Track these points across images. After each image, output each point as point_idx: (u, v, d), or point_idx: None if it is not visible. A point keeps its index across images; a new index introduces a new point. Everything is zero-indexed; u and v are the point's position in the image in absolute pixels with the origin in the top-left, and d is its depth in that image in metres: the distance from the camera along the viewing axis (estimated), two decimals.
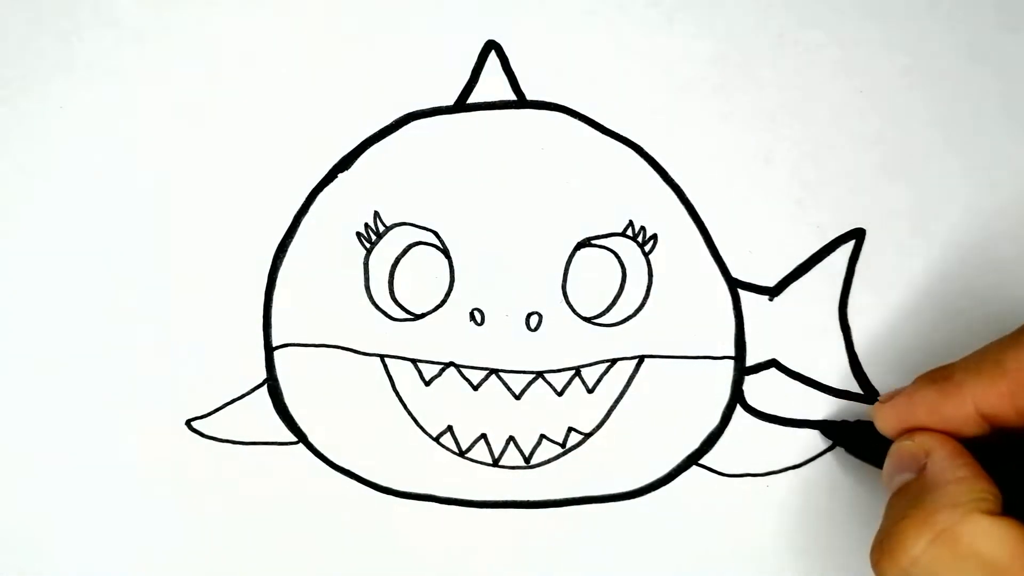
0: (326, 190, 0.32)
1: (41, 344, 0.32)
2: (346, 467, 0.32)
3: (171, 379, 0.32)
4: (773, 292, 0.33)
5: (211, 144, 0.32)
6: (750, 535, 0.33)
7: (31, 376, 0.32)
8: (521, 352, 0.33)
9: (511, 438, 0.33)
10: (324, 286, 0.32)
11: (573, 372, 0.33)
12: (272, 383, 0.32)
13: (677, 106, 0.33)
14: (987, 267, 0.33)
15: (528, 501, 0.33)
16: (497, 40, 0.32)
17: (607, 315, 0.33)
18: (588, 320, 0.33)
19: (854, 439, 0.31)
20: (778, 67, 0.33)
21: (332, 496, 0.32)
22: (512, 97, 0.33)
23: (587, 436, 0.33)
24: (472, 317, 0.32)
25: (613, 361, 0.33)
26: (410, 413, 0.32)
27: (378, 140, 0.32)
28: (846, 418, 0.33)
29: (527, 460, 0.33)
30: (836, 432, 0.33)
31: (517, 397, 0.33)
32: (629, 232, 0.33)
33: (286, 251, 0.32)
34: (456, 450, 0.33)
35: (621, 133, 0.33)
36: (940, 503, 0.25)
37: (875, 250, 0.33)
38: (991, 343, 0.27)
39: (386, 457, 0.32)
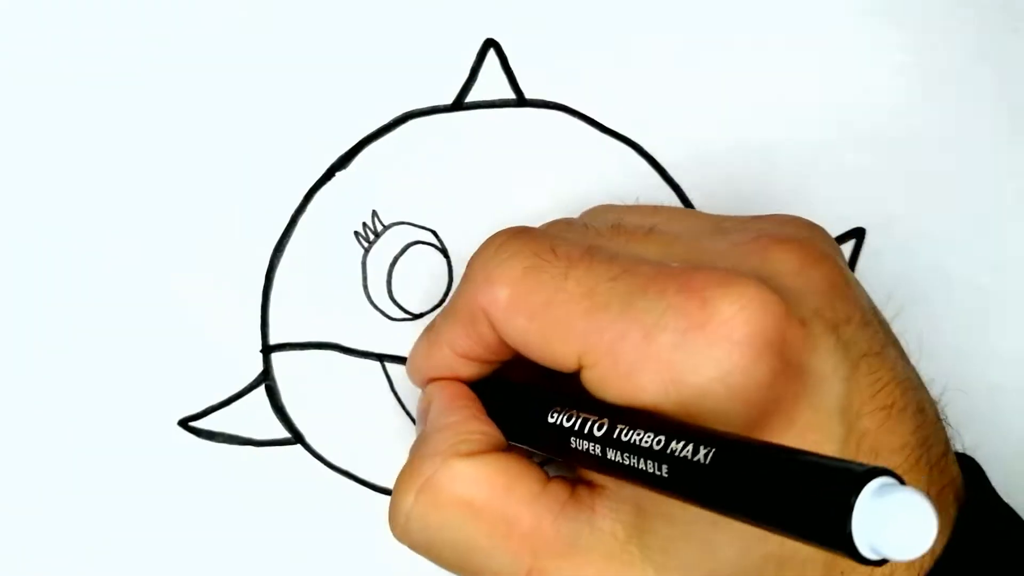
0: (324, 189, 0.32)
1: (36, 343, 0.32)
2: (344, 467, 0.32)
3: (167, 378, 0.32)
4: None
5: (208, 142, 0.32)
6: None
7: (26, 374, 0.32)
8: None
9: None
10: (322, 285, 0.32)
11: None
12: (269, 382, 0.32)
13: (676, 105, 0.33)
14: (987, 267, 0.33)
15: None
16: (496, 39, 0.32)
17: None
18: None
19: None
20: (777, 66, 0.33)
21: (330, 496, 0.32)
22: (511, 96, 0.33)
23: None
24: None
25: None
26: (409, 413, 0.32)
27: (376, 139, 0.32)
28: None
29: None
30: None
31: None
32: None
33: (283, 250, 0.32)
34: None
35: (620, 132, 0.33)
36: (424, 453, 0.25)
37: (875, 250, 0.33)
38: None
39: (384, 457, 0.32)
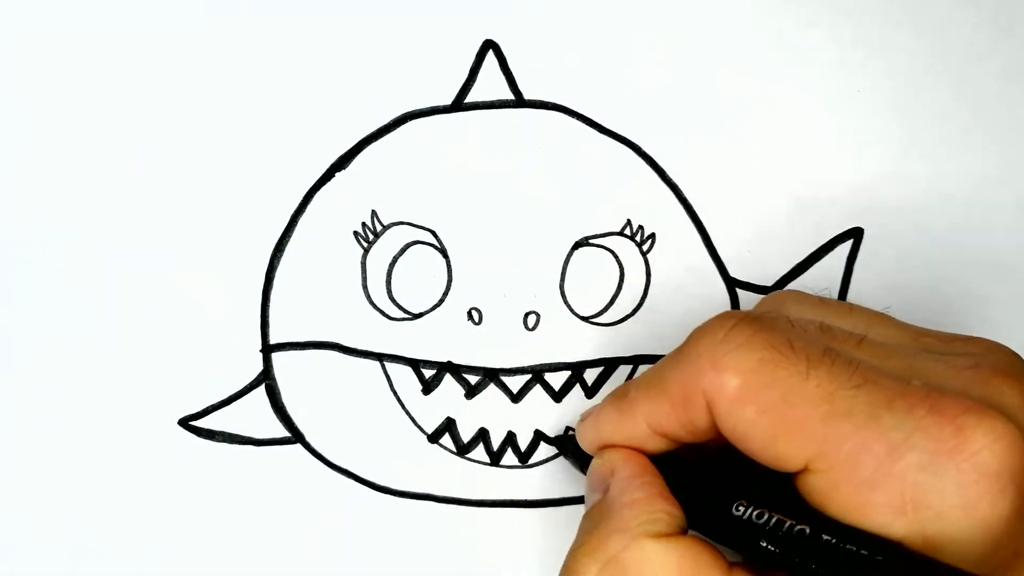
0: (323, 189, 0.32)
1: (37, 342, 0.32)
2: (344, 466, 0.32)
3: (168, 378, 0.32)
4: (771, 291, 0.33)
5: (208, 143, 0.32)
6: None
7: (27, 375, 0.32)
8: (519, 352, 0.33)
9: (509, 438, 0.33)
10: (321, 285, 0.32)
11: (571, 372, 0.33)
12: (269, 382, 0.32)
13: (675, 105, 0.33)
14: (987, 267, 0.33)
15: (526, 500, 0.33)
16: (495, 40, 0.32)
17: (605, 314, 0.33)
18: (586, 319, 0.33)
19: (577, 449, 0.30)
20: (776, 66, 0.33)
21: (330, 496, 0.32)
22: (510, 97, 0.33)
23: None
24: (470, 316, 0.32)
25: (611, 361, 0.33)
26: (408, 412, 0.32)
27: (376, 139, 0.32)
28: None
29: (525, 460, 0.33)
30: (564, 443, 0.32)
31: (515, 397, 0.33)
32: (627, 231, 0.33)
33: (283, 250, 0.32)
34: (454, 450, 0.33)
35: (619, 132, 0.33)
36: (611, 528, 0.24)
37: (873, 250, 0.33)
38: (662, 359, 0.26)
39: (384, 456, 0.32)
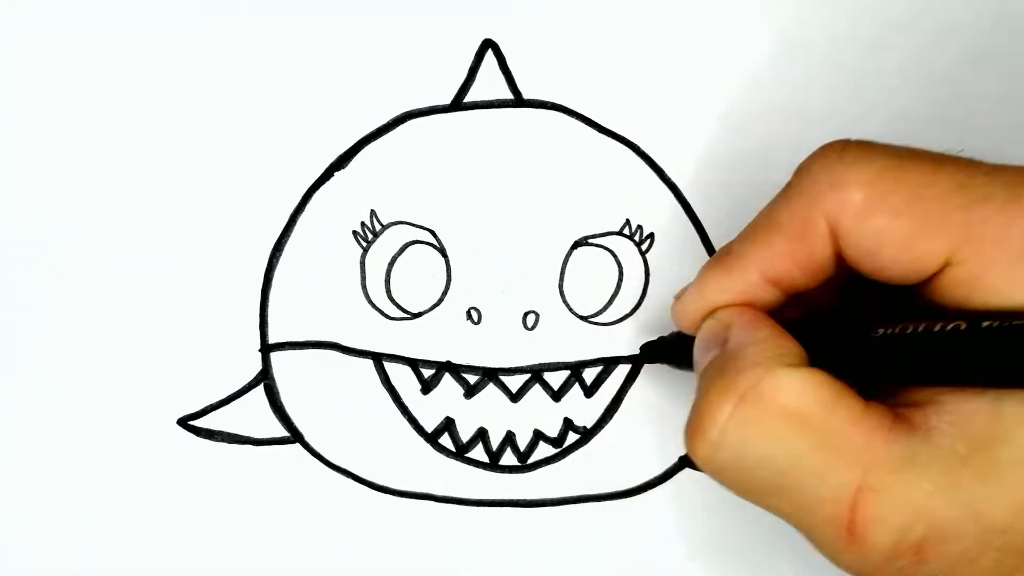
0: (322, 189, 0.32)
1: (36, 342, 0.32)
2: (342, 466, 0.32)
3: (167, 378, 0.32)
4: None
5: (207, 142, 0.32)
6: (746, 534, 0.33)
7: (27, 375, 0.32)
8: (518, 351, 0.33)
9: (508, 438, 0.33)
10: (320, 285, 0.32)
11: (570, 371, 0.33)
12: (268, 381, 0.32)
13: (674, 105, 0.33)
14: None
15: (525, 500, 0.33)
16: (494, 39, 0.32)
17: (604, 314, 0.33)
18: (585, 319, 0.33)
19: (673, 351, 0.29)
20: (777, 66, 0.33)
21: (329, 495, 0.32)
22: (509, 96, 0.33)
23: (584, 435, 0.33)
24: (469, 316, 0.32)
25: (610, 360, 0.33)
26: (407, 412, 0.32)
27: (375, 139, 0.32)
28: None
29: (524, 460, 0.33)
30: (656, 351, 0.31)
31: (514, 396, 0.33)
32: (626, 231, 0.33)
33: (282, 250, 0.32)
34: (453, 449, 0.33)
35: (618, 132, 0.33)
36: (741, 366, 0.23)
37: None
38: (762, 209, 0.26)
39: (383, 456, 0.32)
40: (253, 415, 0.32)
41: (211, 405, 0.32)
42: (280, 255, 0.32)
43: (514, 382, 0.33)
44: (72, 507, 0.32)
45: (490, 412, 0.33)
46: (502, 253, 0.32)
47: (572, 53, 0.33)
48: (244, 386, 0.32)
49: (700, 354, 0.26)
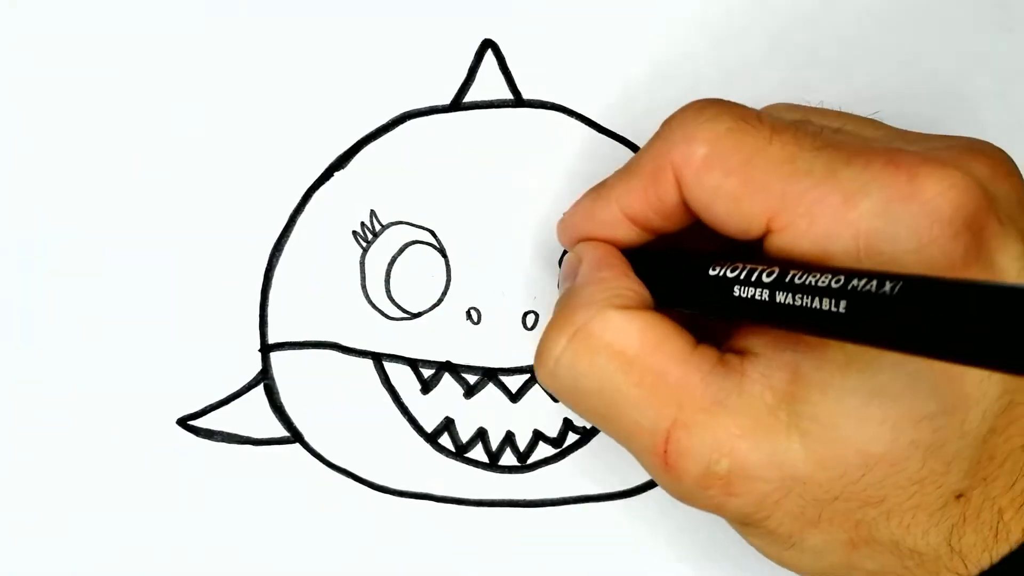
0: (322, 189, 0.32)
1: (36, 342, 0.32)
2: (342, 466, 0.33)
3: (167, 377, 0.32)
4: None
5: (207, 142, 0.32)
6: None
7: (26, 375, 0.32)
8: (518, 351, 0.33)
9: (508, 438, 0.33)
10: (320, 285, 0.32)
11: None
12: (268, 381, 0.32)
13: (674, 106, 0.33)
14: None
15: (525, 500, 0.33)
16: (494, 39, 0.32)
17: None
18: None
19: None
20: (777, 66, 0.33)
21: (328, 495, 0.32)
22: (509, 96, 0.33)
23: (584, 435, 0.33)
24: (468, 316, 0.32)
25: None
26: (407, 412, 0.33)
27: (374, 139, 0.32)
28: None
29: (524, 460, 0.33)
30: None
31: (514, 396, 0.33)
32: None
33: (282, 250, 0.32)
34: (453, 449, 0.33)
35: (618, 132, 0.33)
36: (578, 303, 0.25)
37: None
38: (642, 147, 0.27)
39: (382, 456, 0.33)
40: (253, 415, 0.32)
41: (211, 405, 0.32)
42: (280, 255, 0.32)
43: (514, 382, 0.33)
44: (72, 507, 0.32)
45: (490, 412, 0.33)
46: (502, 253, 0.32)
47: (572, 53, 0.33)
48: (244, 386, 0.32)
49: (560, 284, 0.29)
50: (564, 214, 0.29)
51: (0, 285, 0.32)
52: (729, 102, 0.25)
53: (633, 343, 0.24)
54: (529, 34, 0.32)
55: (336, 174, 0.32)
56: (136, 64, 0.32)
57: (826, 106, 0.29)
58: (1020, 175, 0.26)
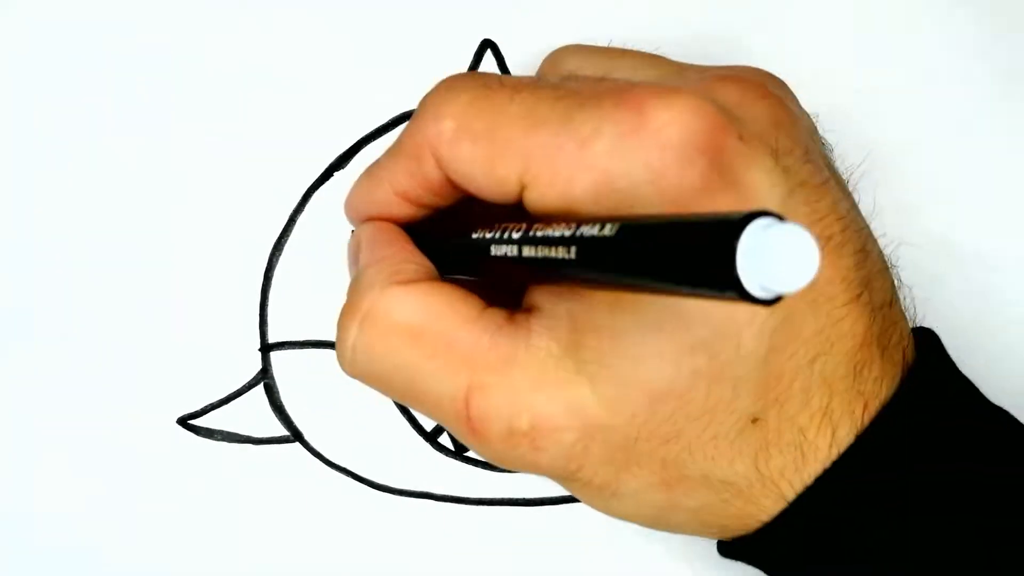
0: (322, 189, 0.32)
1: (36, 341, 0.32)
2: (342, 465, 0.33)
3: (167, 377, 0.32)
4: None
5: (207, 143, 0.32)
6: None
7: (25, 373, 0.32)
8: None
9: None
10: (320, 284, 0.32)
11: None
12: (268, 381, 0.32)
13: None
14: (986, 267, 0.33)
15: (525, 500, 0.33)
16: (493, 39, 0.32)
17: None
18: None
19: None
20: (777, 67, 0.33)
21: (328, 494, 0.33)
22: None
23: None
24: None
25: None
26: (407, 411, 0.33)
27: (374, 139, 0.32)
28: None
29: None
30: None
31: None
32: None
33: (282, 249, 0.32)
34: (453, 449, 0.33)
35: None
36: (362, 288, 0.25)
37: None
38: None
39: (382, 455, 0.33)
40: (253, 414, 0.32)
41: (211, 404, 0.32)
42: (280, 255, 0.32)
43: None
44: (71, 506, 0.32)
45: None
46: None
47: None
48: (244, 385, 0.32)
49: (349, 271, 0.29)
50: (346, 195, 0.29)
51: (1, 285, 0.32)
52: (475, 73, 0.25)
53: (417, 316, 0.24)
54: (529, 34, 0.32)
55: (336, 174, 0.32)
56: (136, 64, 0.32)
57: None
58: (778, 96, 0.26)
